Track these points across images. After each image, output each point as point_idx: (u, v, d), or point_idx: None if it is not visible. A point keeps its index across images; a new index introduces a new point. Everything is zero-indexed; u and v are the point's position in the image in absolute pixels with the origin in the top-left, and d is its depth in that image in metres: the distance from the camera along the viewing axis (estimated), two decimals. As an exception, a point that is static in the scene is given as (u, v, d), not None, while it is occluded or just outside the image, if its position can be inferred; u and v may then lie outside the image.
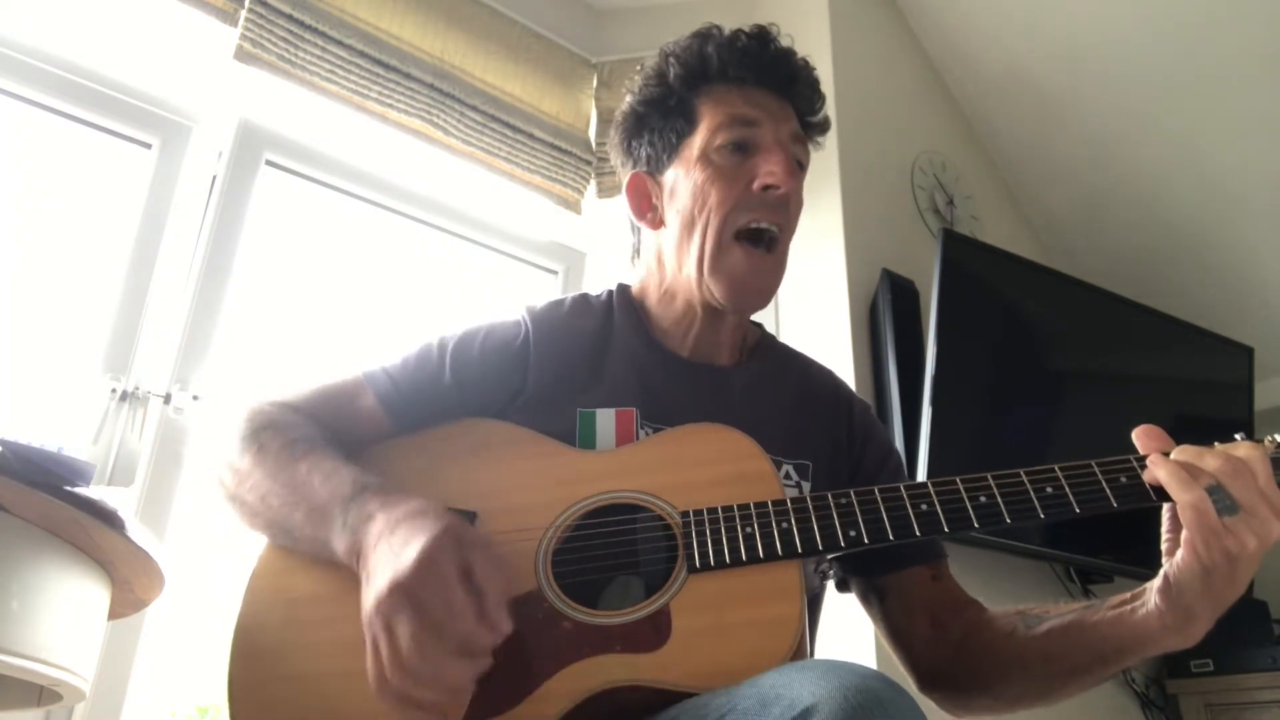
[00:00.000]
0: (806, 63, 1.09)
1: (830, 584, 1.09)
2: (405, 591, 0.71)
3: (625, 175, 1.13)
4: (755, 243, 1.02)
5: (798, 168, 1.06)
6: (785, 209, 1.03)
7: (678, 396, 1.02)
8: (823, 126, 1.12)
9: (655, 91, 1.09)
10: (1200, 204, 2.61)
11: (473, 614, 0.71)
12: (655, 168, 1.09)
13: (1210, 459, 0.78)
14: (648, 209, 1.09)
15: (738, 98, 1.05)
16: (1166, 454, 0.81)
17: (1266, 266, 2.63)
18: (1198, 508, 0.76)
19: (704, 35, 1.08)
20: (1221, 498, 0.76)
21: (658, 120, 1.08)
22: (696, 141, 1.04)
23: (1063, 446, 2.19)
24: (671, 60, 1.08)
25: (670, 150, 1.07)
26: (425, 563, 0.71)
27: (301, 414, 0.97)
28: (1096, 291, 2.33)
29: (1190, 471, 0.78)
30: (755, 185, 1.01)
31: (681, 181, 1.05)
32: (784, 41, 1.08)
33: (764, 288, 1.04)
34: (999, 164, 2.79)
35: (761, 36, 1.07)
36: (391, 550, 0.74)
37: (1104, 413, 2.24)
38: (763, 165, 1.01)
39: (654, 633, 0.78)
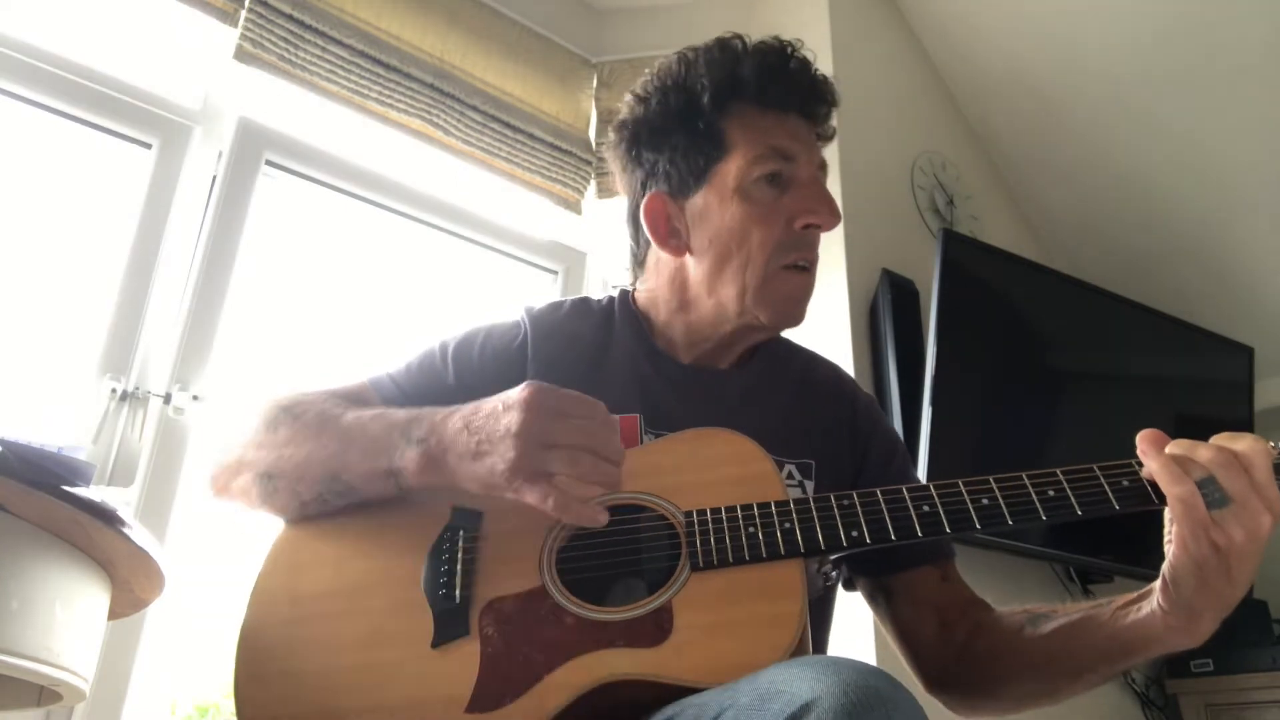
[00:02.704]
0: (828, 81, 1.07)
1: (839, 585, 1.09)
2: (532, 432, 0.78)
3: (631, 184, 1.10)
4: (796, 270, 1.03)
5: None
6: (818, 242, 1.05)
7: (679, 402, 1.03)
8: (829, 136, 1.11)
9: (678, 107, 1.04)
10: (1200, 204, 2.61)
11: (596, 424, 0.81)
12: (678, 190, 1.05)
13: (1203, 450, 0.78)
14: (668, 233, 1.06)
15: (773, 125, 1.03)
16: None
17: (1266, 266, 2.63)
18: (1186, 501, 0.76)
19: (731, 51, 1.04)
20: (1212, 490, 0.76)
21: (682, 139, 1.04)
22: (731, 170, 1.01)
23: (1063, 446, 2.19)
24: (699, 78, 1.03)
25: (697, 174, 1.03)
26: (537, 403, 0.79)
27: (321, 395, 0.98)
28: (1096, 291, 2.33)
29: (1182, 464, 0.78)
30: (798, 225, 1.01)
31: (714, 212, 1.02)
32: (807, 54, 1.06)
33: (803, 308, 1.06)
34: (999, 164, 2.79)
35: (787, 53, 1.04)
36: (490, 419, 0.81)
37: (1104, 413, 2.25)
38: (804, 203, 1.01)
39: (656, 629, 0.79)
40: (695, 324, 1.07)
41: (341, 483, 0.88)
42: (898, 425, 1.99)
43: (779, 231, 1.00)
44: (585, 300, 1.14)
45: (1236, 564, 0.76)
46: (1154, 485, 0.80)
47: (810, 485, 1.02)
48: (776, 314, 1.03)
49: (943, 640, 1.00)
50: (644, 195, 1.07)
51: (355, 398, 1.00)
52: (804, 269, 1.03)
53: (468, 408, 0.84)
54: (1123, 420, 2.25)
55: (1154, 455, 0.79)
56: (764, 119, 1.03)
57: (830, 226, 1.02)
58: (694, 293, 1.06)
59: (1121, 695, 2.33)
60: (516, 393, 0.81)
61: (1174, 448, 0.80)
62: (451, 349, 1.04)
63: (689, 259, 1.05)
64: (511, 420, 0.79)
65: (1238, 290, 2.70)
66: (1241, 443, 0.78)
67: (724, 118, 1.03)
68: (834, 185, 2.17)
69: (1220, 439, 0.79)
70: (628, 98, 1.10)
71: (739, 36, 1.06)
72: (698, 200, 1.04)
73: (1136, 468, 0.82)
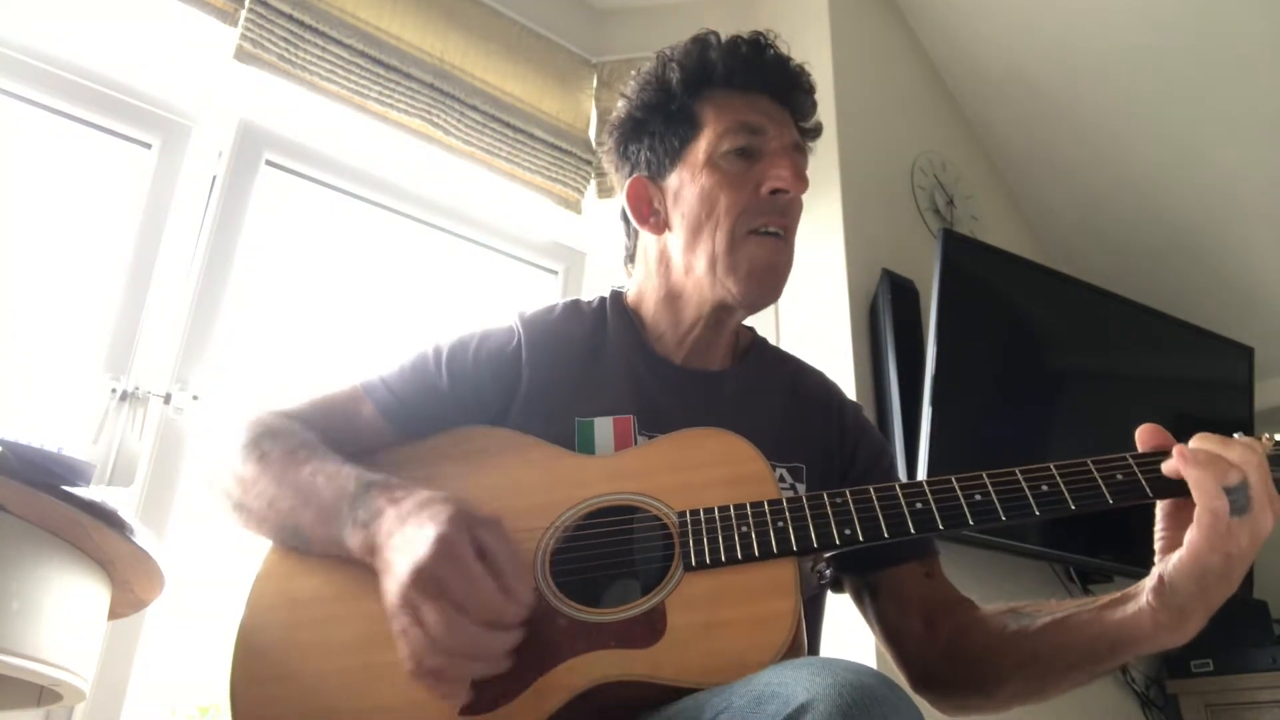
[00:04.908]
0: (802, 69, 1.10)
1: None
2: (426, 577, 0.73)
3: (621, 179, 1.13)
4: (766, 238, 1.03)
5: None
6: (790, 212, 1.05)
7: (672, 403, 1.03)
8: (815, 132, 1.14)
9: (655, 96, 1.09)
10: (1200, 204, 2.61)
11: (494, 587, 0.74)
12: (656, 172, 1.09)
13: (1237, 450, 0.77)
14: (649, 213, 1.09)
15: (742, 103, 1.06)
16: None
17: (1266, 266, 2.63)
18: (1217, 514, 0.75)
19: (703, 41, 1.09)
20: (1239, 498, 0.75)
21: (659, 124, 1.09)
22: (702, 146, 1.05)
23: (1063, 447, 2.19)
24: (672, 65, 1.08)
25: (673, 155, 1.07)
26: (441, 546, 0.73)
27: (300, 422, 0.98)
28: (1096, 291, 2.33)
29: (1216, 465, 0.76)
30: (764, 189, 1.02)
31: (687, 186, 1.05)
32: (781, 45, 1.10)
33: (778, 277, 1.05)
34: (999, 164, 2.79)
35: (760, 43, 1.08)
36: (406, 540, 0.76)
37: (1104, 413, 2.25)
38: (771, 170, 1.03)
39: (649, 629, 0.79)
40: (680, 311, 1.08)
41: (299, 538, 0.89)
42: (897, 425, 1.99)
43: (746, 196, 1.02)
44: (576, 303, 1.14)
45: (1237, 567, 0.76)
46: (1149, 479, 0.80)
47: (801, 489, 1.02)
48: (746, 285, 1.02)
49: (927, 638, 1.00)
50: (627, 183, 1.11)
51: (346, 405, 1.01)
52: (775, 235, 1.04)
53: (409, 502, 0.80)
54: (1123, 420, 2.23)
55: (1192, 463, 0.77)
56: (734, 99, 1.06)
57: (797, 191, 1.03)
58: (675, 272, 1.08)
59: (1121, 695, 2.33)
60: (441, 516, 0.76)
61: (1204, 443, 0.78)
62: (445, 353, 1.05)
63: (668, 236, 1.08)
64: (419, 548, 0.74)
65: (1238, 290, 2.70)
66: (1234, 449, 0.78)
67: (696, 101, 1.07)
68: (834, 185, 2.18)
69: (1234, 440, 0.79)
70: (618, 101, 1.14)
71: (713, 32, 1.10)
72: (673, 179, 1.07)
73: (1131, 462, 0.82)
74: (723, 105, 1.06)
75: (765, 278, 1.04)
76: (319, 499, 0.87)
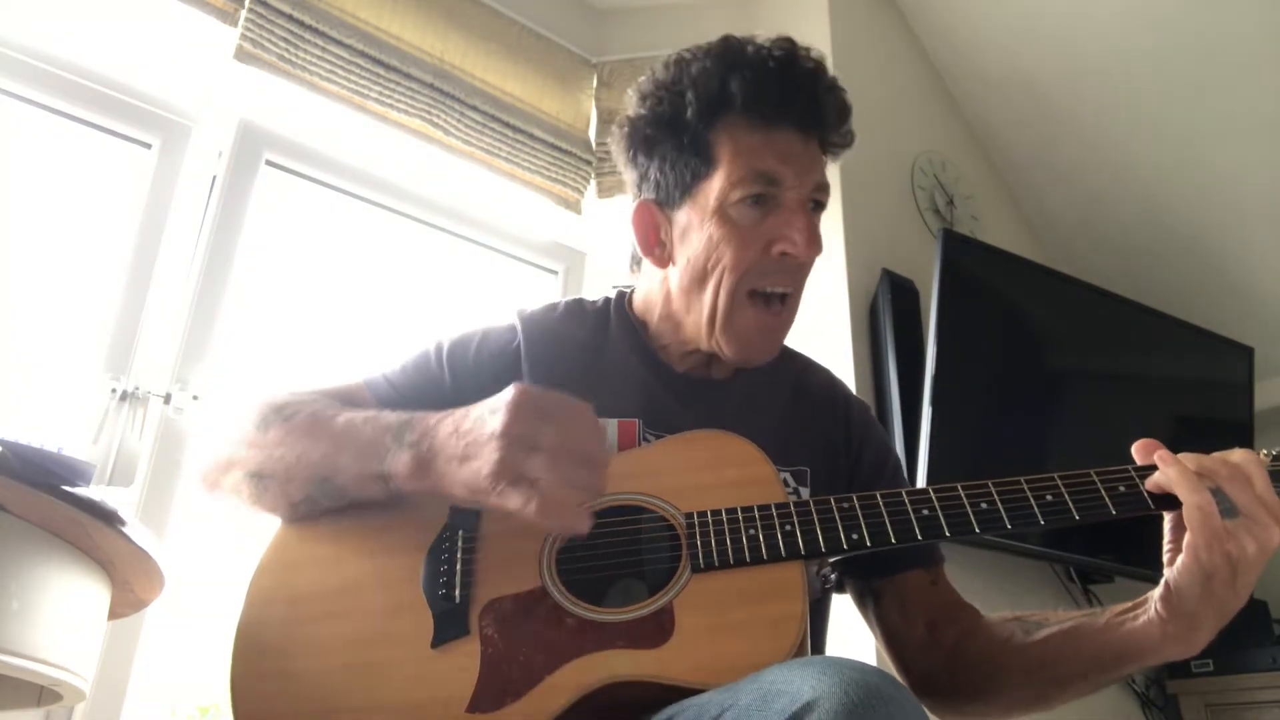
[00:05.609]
0: (832, 89, 1.02)
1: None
2: (515, 434, 0.77)
3: (629, 186, 1.09)
4: (767, 303, 1.00)
5: (815, 207, 1.01)
6: (800, 273, 1.01)
7: (677, 406, 1.02)
8: (844, 144, 1.06)
9: (668, 117, 1.00)
10: (1200, 204, 2.61)
11: (581, 423, 0.79)
12: (666, 201, 1.03)
13: (1206, 463, 0.80)
14: (655, 243, 1.05)
15: (760, 144, 0.97)
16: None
17: (1266, 266, 2.63)
18: (1203, 509, 0.77)
19: (728, 59, 0.99)
20: (1222, 500, 0.78)
21: (670, 150, 1.01)
22: (714, 189, 0.97)
23: (1063, 447, 2.19)
24: (688, 89, 0.99)
25: (684, 188, 1.00)
26: (516, 408, 0.78)
27: (314, 394, 0.98)
28: (1096, 291, 2.33)
29: (1195, 473, 0.79)
30: (774, 251, 0.97)
31: (695, 229, 1.00)
32: (812, 56, 1.01)
33: (772, 346, 1.04)
34: (999, 164, 2.79)
35: (789, 60, 0.98)
36: (473, 426, 0.80)
37: (1104, 413, 2.25)
38: (783, 229, 0.97)
39: (657, 629, 0.79)
40: (681, 332, 1.06)
41: (332, 485, 0.87)
42: (898, 426, 1.99)
43: (754, 253, 0.97)
44: (579, 302, 1.13)
45: (1243, 574, 0.77)
46: (1152, 492, 0.82)
47: (806, 492, 1.02)
48: (741, 350, 1.01)
49: (929, 645, 1.00)
50: (636, 199, 1.07)
51: (349, 398, 1.00)
52: (780, 301, 1.01)
53: (460, 412, 0.83)
54: (1123, 420, 2.25)
55: (1171, 463, 0.80)
56: (752, 136, 0.98)
57: (807, 260, 0.99)
58: (674, 302, 1.05)
59: (1121, 695, 2.33)
60: (503, 395, 0.80)
61: (1181, 460, 0.81)
62: (447, 350, 1.04)
63: (671, 271, 1.04)
64: (496, 423, 0.78)
65: (1238, 290, 2.70)
66: (1235, 455, 0.80)
67: (711, 130, 0.99)
68: (834, 185, 2.17)
69: (1217, 455, 0.81)
70: (631, 94, 1.07)
71: (744, 41, 1.01)
72: (681, 215, 1.02)
73: (1133, 474, 0.83)
74: (739, 144, 0.97)
75: (760, 343, 1.02)
76: (357, 439, 0.86)
